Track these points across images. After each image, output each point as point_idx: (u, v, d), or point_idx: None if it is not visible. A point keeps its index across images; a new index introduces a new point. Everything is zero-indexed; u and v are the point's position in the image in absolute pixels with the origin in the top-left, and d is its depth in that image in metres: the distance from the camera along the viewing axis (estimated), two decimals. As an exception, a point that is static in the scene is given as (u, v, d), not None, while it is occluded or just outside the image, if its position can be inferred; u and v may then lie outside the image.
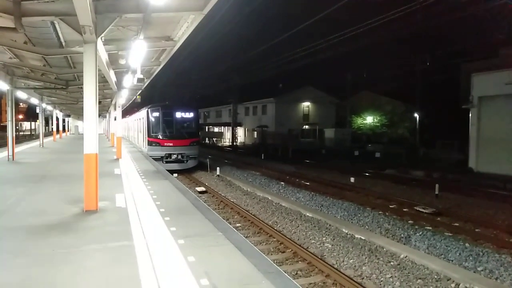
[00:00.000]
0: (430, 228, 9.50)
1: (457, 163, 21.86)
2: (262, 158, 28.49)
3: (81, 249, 4.62)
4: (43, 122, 25.72)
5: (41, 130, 24.75)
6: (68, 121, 49.05)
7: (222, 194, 13.72)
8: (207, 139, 56.05)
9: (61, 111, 34.23)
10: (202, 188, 14.49)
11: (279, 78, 44.20)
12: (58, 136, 34.73)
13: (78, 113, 39.36)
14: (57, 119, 35.52)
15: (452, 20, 21.16)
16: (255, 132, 46.19)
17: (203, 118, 62.41)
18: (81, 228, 5.57)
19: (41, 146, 22.90)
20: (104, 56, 9.26)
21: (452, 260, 7.25)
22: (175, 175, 15.26)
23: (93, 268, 4.07)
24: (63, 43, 8.69)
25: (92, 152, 6.48)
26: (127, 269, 4.02)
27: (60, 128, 38.45)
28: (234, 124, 46.60)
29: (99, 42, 7.01)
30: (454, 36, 36.19)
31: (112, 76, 12.97)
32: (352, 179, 16.65)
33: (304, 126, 42.63)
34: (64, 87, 15.42)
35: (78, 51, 8.78)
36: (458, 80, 26.22)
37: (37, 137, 32.00)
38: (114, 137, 21.13)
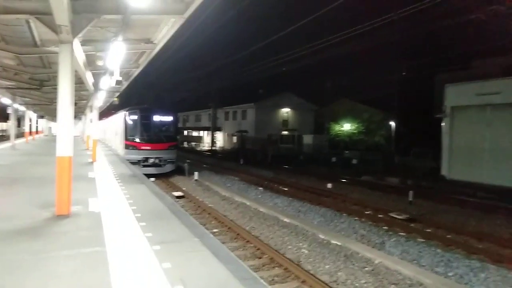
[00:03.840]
0: (404, 234, 9.71)
1: (430, 170, 22.45)
2: (241, 163, 28.46)
3: (51, 255, 4.47)
4: (15, 123, 24.85)
5: (12, 131, 23.90)
6: (41, 122, 47.62)
7: (200, 199, 13.60)
8: (185, 143, 55.52)
9: (34, 112, 33.22)
10: (179, 193, 14.32)
11: (259, 84, 44.46)
12: (30, 137, 33.66)
13: (53, 114, 38.13)
14: (30, 120, 34.46)
15: (428, 31, 21.89)
16: (235, 137, 46.12)
17: (182, 122, 61.85)
18: (52, 233, 5.40)
19: (13, 148, 22.12)
20: (81, 56, 9.08)
21: (424, 266, 7.42)
22: (152, 179, 15.04)
23: (63, 275, 3.94)
24: (38, 42, 8.46)
25: (65, 155, 6.31)
26: (99, 276, 3.92)
27: (33, 129, 37.28)
28: (214, 128, 46.41)
29: (76, 43, 6.87)
30: (429, 47, 37.36)
31: (89, 78, 12.71)
32: (329, 185, 16.84)
33: (283, 132, 42.91)
34: (38, 87, 14.99)
35: (53, 51, 8.57)
36: (433, 90, 27.06)
37: (8, 138, 30.87)
38: (90, 140, 20.65)
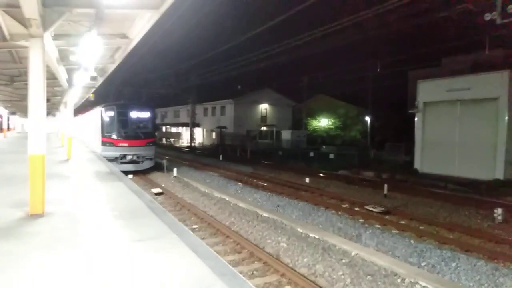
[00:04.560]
0: (379, 226, 9.98)
1: (404, 164, 23.07)
2: (220, 159, 28.39)
3: (24, 256, 4.37)
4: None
5: (-19, 128, 22.99)
6: (13, 119, 46.03)
7: (179, 196, 13.51)
8: (164, 139, 54.86)
9: (5, 108, 32.04)
10: (158, 190, 14.17)
11: (238, 80, 44.39)
12: (2, 135, 32.52)
13: (25, 111, 36.87)
14: (1, 116, 33.32)
15: (402, 29, 22.34)
16: (214, 133, 45.93)
17: (161, 118, 61.04)
18: (25, 233, 5.26)
19: (-19, 146, 21.28)
20: (53, 51, 8.82)
21: (398, 257, 7.65)
22: (130, 176, 14.82)
23: (37, 276, 3.86)
24: (7, 37, 8.13)
25: (38, 153, 6.14)
26: (75, 277, 3.87)
27: (5, 126, 36.04)
28: (192, 124, 46.06)
29: (47, 37, 6.67)
30: (403, 45, 38.28)
31: (62, 73, 12.35)
32: (307, 180, 17.06)
33: (262, 128, 43.06)
34: (9, 83, 14.47)
35: (23, 46, 8.25)
36: (406, 86, 27.81)
37: (-23, 136, 29.68)
38: (65, 137, 20.12)
